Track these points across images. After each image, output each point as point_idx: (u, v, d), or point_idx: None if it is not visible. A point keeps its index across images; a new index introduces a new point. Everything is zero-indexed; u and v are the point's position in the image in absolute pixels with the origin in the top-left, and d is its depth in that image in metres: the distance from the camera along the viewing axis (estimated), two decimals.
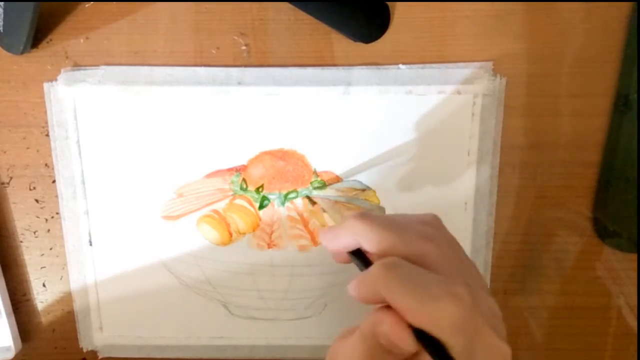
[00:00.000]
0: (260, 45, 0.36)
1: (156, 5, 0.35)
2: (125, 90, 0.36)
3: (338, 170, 0.37)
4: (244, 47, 0.36)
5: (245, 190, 0.38)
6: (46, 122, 0.37)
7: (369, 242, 0.26)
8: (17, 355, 0.40)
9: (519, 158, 0.37)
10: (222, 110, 0.36)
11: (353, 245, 0.27)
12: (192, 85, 0.36)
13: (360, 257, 0.27)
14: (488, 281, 0.39)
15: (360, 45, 0.36)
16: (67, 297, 0.40)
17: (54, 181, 0.38)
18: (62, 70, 0.36)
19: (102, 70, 0.36)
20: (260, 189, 0.38)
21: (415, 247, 0.25)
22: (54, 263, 0.40)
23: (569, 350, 0.41)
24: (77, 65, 0.36)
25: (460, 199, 0.38)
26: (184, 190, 0.38)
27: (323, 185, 0.38)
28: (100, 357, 0.42)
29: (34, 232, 0.39)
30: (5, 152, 0.38)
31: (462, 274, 0.25)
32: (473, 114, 0.36)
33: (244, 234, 0.39)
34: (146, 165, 0.37)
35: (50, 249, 0.40)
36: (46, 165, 0.38)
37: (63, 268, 0.40)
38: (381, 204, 0.38)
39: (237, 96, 0.36)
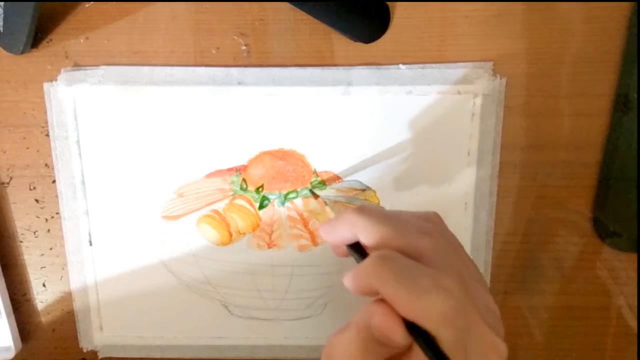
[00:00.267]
0: (260, 45, 0.36)
1: (156, 5, 0.35)
2: (125, 90, 0.36)
3: (338, 170, 0.37)
4: (244, 47, 0.36)
5: (245, 190, 0.38)
6: (46, 122, 0.37)
7: (366, 235, 0.26)
8: (17, 355, 0.40)
9: (519, 158, 0.37)
10: (222, 110, 0.36)
11: (351, 239, 0.27)
12: (192, 85, 0.36)
13: (358, 251, 0.27)
14: (488, 281, 0.39)
15: (360, 45, 0.36)
16: (67, 297, 0.40)
17: (54, 181, 0.38)
18: (62, 70, 0.36)
19: (102, 70, 0.36)
20: (260, 189, 0.38)
21: (410, 241, 0.25)
22: (54, 263, 0.40)
23: (569, 350, 0.41)
24: (77, 65, 0.36)
25: (460, 199, 0.38)
26: (184, 190, 0.38)
27: (323, 185, 0.38)
28: (100, 357, 0.42)
29: (34, 232, 0.39)
30: (5, 152, 0.38)
31: (458, 269, 0.25)
32: (473, 114, 0.36)
33: (244, 234, 0.39)
34: (146, 165, 0.37)
35: (50, 249, 0.40)
36: (46, 165, 0.38)
37: (63, 268, 0.40)
38: (381, 204, 0.38)
39: (237, 96, 0.36)
